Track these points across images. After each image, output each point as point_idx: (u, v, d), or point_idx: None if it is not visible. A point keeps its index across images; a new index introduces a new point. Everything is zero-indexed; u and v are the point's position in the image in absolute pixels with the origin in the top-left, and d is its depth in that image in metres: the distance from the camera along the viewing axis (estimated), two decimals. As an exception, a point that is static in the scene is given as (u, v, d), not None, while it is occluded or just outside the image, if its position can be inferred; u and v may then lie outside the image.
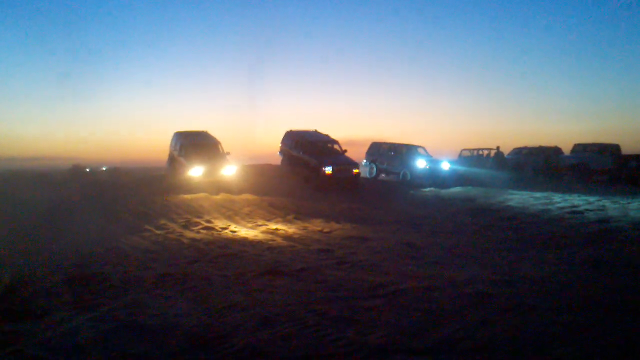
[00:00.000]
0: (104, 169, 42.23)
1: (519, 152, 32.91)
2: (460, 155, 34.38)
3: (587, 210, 15.99)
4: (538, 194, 20.24)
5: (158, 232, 12.64)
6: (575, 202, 17.66)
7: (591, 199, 18.40)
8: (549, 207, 17.11)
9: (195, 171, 22.34)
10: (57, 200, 18.49)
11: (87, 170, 38.73)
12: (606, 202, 17.35)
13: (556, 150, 31.70)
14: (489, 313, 6.08)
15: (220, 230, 13.03)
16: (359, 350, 5.03)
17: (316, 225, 13.79)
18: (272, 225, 13.72)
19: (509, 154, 33.04)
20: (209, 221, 14.30)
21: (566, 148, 31.71)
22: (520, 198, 19.53)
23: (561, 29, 77.46)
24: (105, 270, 8.62)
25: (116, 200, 18.59)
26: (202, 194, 19.85)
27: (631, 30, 74.30)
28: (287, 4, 79.41)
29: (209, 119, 79.36)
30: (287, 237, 11.98)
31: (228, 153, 24.51)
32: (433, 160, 28.18)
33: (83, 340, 5.40)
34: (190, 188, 21.02)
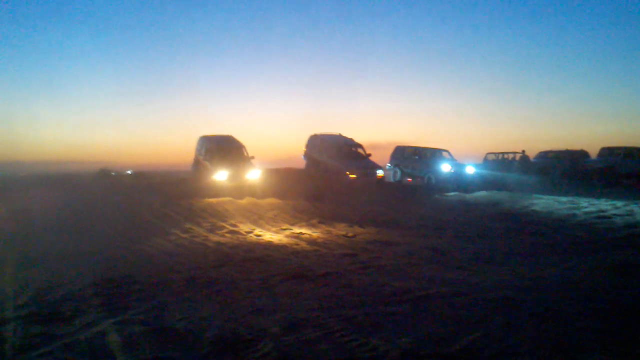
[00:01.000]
0: (129, 172, 42.68)
1: (544, 155, 32.66)
2: (485, 159, 34.20)
3: (614, 215, 15.80)
4: (564, 199, 20.04)
5: (184, 235, 12.76)
6: (602, 207, 17.45)
7: (618, 203, 18.16)
8: (575, 211, 16.94)
9: (220, 175, 22.56)
10: (85, 204, 18.76)
11: (113, 173, 39.20)
12: (634, 207, 17.12)
13: (582, 154, 31.40)
14: (515, 319, 6.05)
15: (245, 234, 13.11)
16: (385, 356, 5.03)
17: (340, 230, 13.81)
18: (297, 229, 13.76)
19: (534, 158, 32.81)
20: (234, 225, 14.39)
21: (593, 151, 31.40)
22: (546, 202, 19.35)
23: (587, 30, 76.66)
24: (132, 273, 8.73)
25: (142, 203, 18.79)
26: (227, 198, 19.96)
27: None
28: (310, 6, 79.61)
29: (233, 122, 79.78)
30: (312, 242, 12.01)
31: (252, 157, 24.70)
32: (458, 165, 28.07)
33: (111, 343, 5.48)
34: (215, 192, 21.18)
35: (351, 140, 28.00)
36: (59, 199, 20.75)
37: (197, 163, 26.75)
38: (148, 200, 19.70)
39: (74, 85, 75.75)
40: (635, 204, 17.92)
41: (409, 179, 28.76)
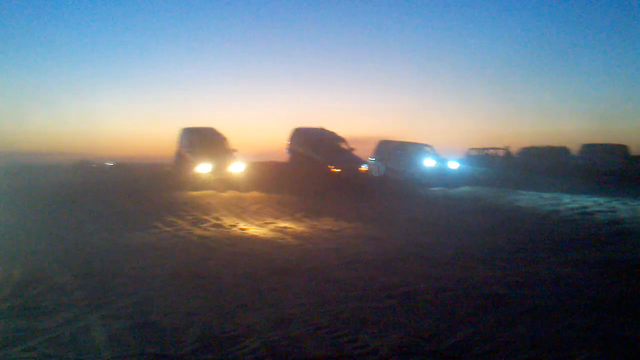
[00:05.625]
0: (110, 164, 42.29)
1: (527, 152, 32.78)
2: (468, 155, 34.27)
3: (597, 211, 15.86)
4: (547, 195, 20.10)
5: (167, 229, 12.62)
6: (585, 203, 17.51)
7: (601, 200, 18.25)
8: (558, 207, 16.99)
9: (203, 168, 22.34)
10: (66, 196, 18.54)
11: (94, 165, 38.82)
12: (616, 204, 17.21)
13: (564, 151, 31.56)
14: (504, 315, 6.01)
15: (229, 227, 12.99)
16: (374, 353, 4.96)
17: (325, 224, 13.73)
18: (281, 224, 13.66)
19: (517, 154, 32.92)
20: (217, 218, 14.27)
21: (574, 148, 31.58)
22: (529, 198, 19.41)
23: (570, 28, 77.12)
24: (115, 267, 8.61)
25: (124, 196, 18.60)
26: (209, 191, 19.85)
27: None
28: (295, 1, 79.37)
29: (216, 114, 79.27)
30: (297, 236, 11.93)
31: (235, 150, 24.51)
32: (441, 160, 28.05)
33: (96, 338, 5.36)
34: (198, 185, 21.03)
35: (334, 134, 27.86)
36: (39, 191, 20.50)
37: (179, 155, 26.47)
38: (130, 192, 19.52)
39: (49, 73, 74.86)
40: (617, 200, 18.03)
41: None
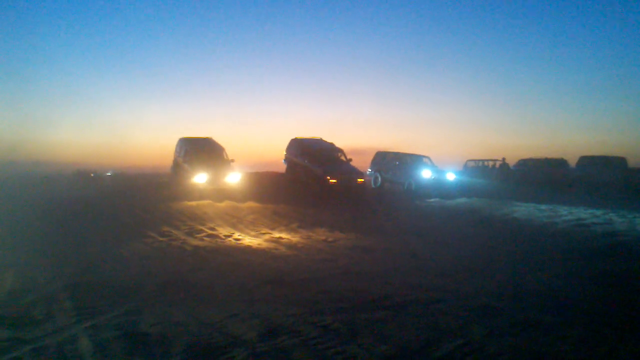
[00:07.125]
0: (108, 174, 42.25)
1: (524, 163, 32.75)
2: (465, 166, 34.24)
3: (593, 223, 15.83)
4: (543, 206, 20.06)
5: (161, 239, 12.57)
6: (582, 216, 17.49)
7: (597, 212, 18.23)
8: (555, 219, 16.94)
9: (200, 178, 22.33)
10: (60, 206, 18.49)
11: (92, 175, 38.76)
12: (613, 216, 17.20)
13: (562, 163, 31.51)
14: (494, 327, 5.97)
15: (224, 238, 12.95)
16: (362, 364, 4.93)
17: (320, 235, 13.68)
18: (276, 234, 13.62)
19: (514, 166, 32.88)
20: (212, 229, 14.22)
21: (572, 160, 31.54)
22: (526, 210, 19.36)
23: (568, 40, 77.20)
24: (107, 277, 8.57)
25: (119, 205, 18.56)
26: (206, 201, 19.81)
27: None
28: (293, 10, 79.46)
29: (213, 125, 79.15)
30: (291, 246, 11.89)
31: (232, 160, 24.51)
32: (438, 171, 27.99)
33: (82, 348, 5.32)
34: (194, 195, 20.99)
35: (332, 145, 27.83)
36: (34, 200, 20.46)
37: (176, 165, 26.47)
38: (127, 202, 19.48)
39: (46, 82, 74.70)
40: (614, 212, 18.01)
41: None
